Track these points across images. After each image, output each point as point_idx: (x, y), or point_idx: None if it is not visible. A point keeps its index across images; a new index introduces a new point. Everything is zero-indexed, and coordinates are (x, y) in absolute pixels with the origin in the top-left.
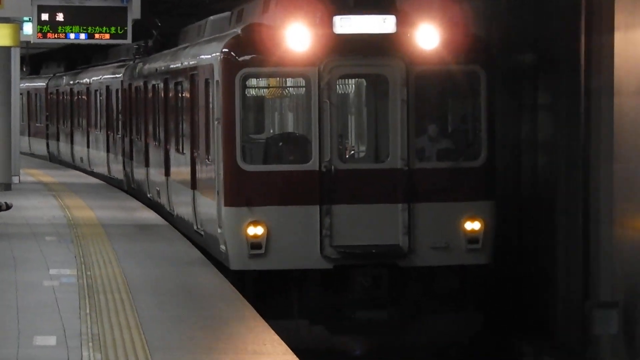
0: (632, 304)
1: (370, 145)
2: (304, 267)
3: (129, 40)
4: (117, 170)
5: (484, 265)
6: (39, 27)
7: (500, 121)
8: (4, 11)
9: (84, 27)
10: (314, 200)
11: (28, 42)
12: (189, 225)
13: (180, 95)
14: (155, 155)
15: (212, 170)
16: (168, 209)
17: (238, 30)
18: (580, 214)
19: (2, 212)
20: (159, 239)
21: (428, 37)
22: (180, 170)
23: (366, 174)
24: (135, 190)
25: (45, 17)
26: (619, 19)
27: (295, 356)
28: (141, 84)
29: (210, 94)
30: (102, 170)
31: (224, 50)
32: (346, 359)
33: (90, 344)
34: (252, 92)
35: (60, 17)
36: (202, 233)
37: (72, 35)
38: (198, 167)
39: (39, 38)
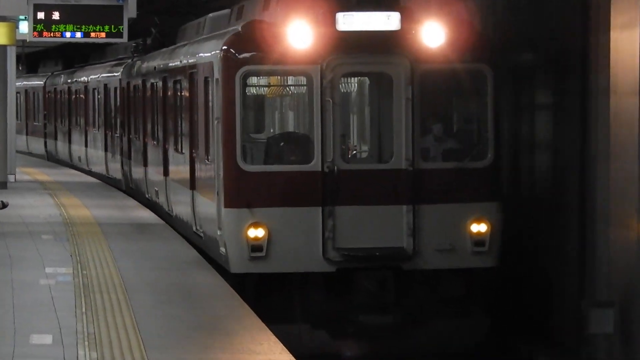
0: (628, 303)
1: (373, 145)
2: (306, 270)
3: (124, 39)
4: (115, 170)
5: (490, 268)
6: (34, 25)
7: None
8: None
9: (80, 26)
10: (317, 201)
11: (24, 41)
12: (188, 226)
13: (179, 93)
14: (154, 154)
15: (211, 171)
16: (167, 210)
17: (238, 27)
18: (577, 213)
19: None
20: (155, 238)
21: (433, 34)
22: (179, 170)
23: (370, 175)
24: (133, 190)
25: (41, 15)
26: (615, 18)
27: (291, 355)
28: (139, 82)
29: (210, 92)
30: (100, 169)
31: (223, 47)
32: None
33: (86, 342)
34: (253, 90)
35: (56, 15)
36: (202, 235)
37: (67, 34)
38: (197, 167)
39: (35, 37)
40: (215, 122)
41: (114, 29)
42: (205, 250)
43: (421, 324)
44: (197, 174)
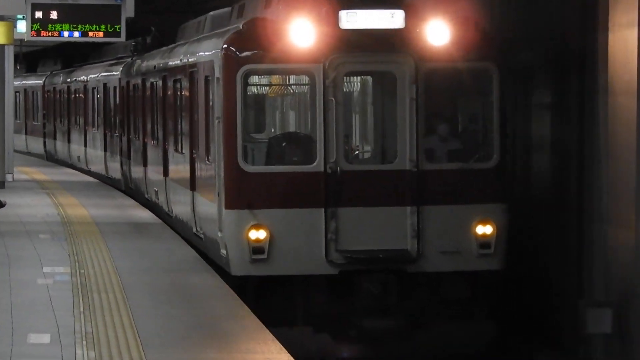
0: (626, 303)
1: (377, 145)
2: (308, 273)
3: (122, 38)
4: (115, 170)
5: (496, 271)
6: (32, 25)
7: None
8: None
9: (78, 25)
10: (319, 202)
11: (22, 40)
12: (188, 227)
13: (179, 93)
14: (154, 154)
15: (212, 171)
16: (166, 210)
17: (239, 25)
18: (575, 212)
19: None
20: (153, 237)
21: (438, 32)
22: (179, 170)
23: (373, 176)
24: (133, 191)
25: (39, 14)
26: (613, 17)
27: (289, 355)
28: (139, 81)
29: (211, 91)
30: (100, 169)
31: (224, 46)
32: None
33: (84, 342)
34: (254, 89)
35: (54, 15)
36: (202, 236)
37: (65, 33)
38: (197, 168)
39: (33, 36)
40: (216, 121)
41: (112, 29)
42: (206, 252)
43: (425, 328)
44: (198, 174)
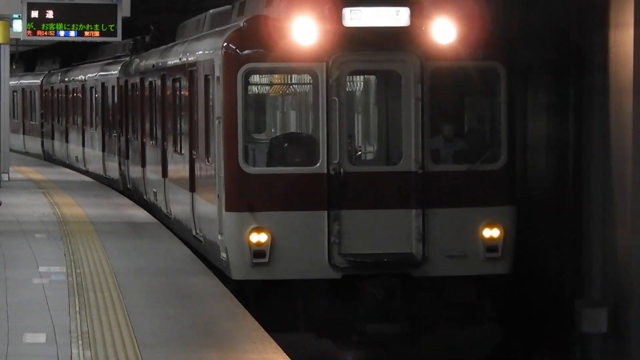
0: (625, 302)
1: (381, 146)
2: (311, 277)
3: (118, 37)
4: (113, 170)
5: (503, 275)
6: (28, 24)
7: None
8: None
9: (74, 25)
10: (322, 205)
11: (18, 40)
12: (187, 229)
13: (178, 92)
14: (152, 155)
15: (212, 172)
16: (165, 212)
17: (240, 23)
18: (573, 212)
19: None
20: (149, 236)
21: (444, 30)
22: (178, 171)
23: (377, 177)
24: (131, 191)
25: (34, 14)
26: (612, 16)
27: (285, 355)
28: (137, 80)
29: (211, 91)
30: (98, 169)
31: (225, 44)
32: None
33: (80, 341)
34: (255, 89)
35: (50, 14)
36: (202, 239)
37: (61, 33)
38: (197, 169)
39: (29, 35)
40: (216, 121)
41: (108, 28)
42: (205, 255)
43: (430, 333)
44: (197, 175)
